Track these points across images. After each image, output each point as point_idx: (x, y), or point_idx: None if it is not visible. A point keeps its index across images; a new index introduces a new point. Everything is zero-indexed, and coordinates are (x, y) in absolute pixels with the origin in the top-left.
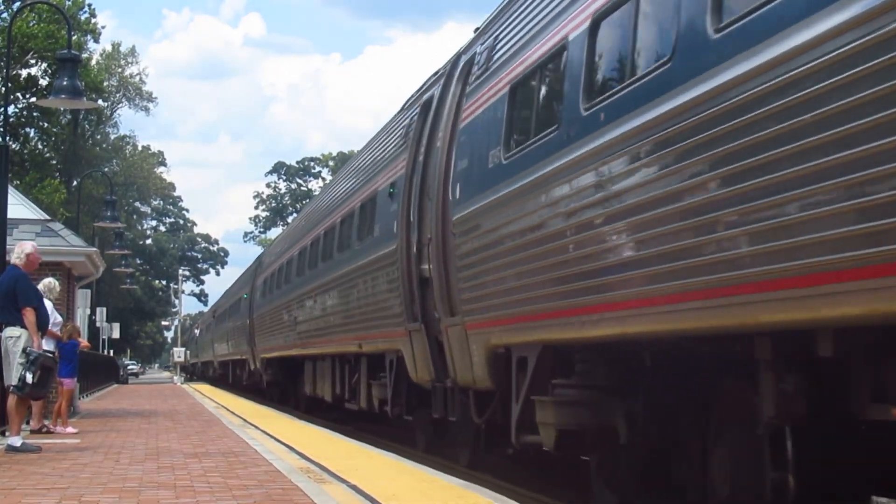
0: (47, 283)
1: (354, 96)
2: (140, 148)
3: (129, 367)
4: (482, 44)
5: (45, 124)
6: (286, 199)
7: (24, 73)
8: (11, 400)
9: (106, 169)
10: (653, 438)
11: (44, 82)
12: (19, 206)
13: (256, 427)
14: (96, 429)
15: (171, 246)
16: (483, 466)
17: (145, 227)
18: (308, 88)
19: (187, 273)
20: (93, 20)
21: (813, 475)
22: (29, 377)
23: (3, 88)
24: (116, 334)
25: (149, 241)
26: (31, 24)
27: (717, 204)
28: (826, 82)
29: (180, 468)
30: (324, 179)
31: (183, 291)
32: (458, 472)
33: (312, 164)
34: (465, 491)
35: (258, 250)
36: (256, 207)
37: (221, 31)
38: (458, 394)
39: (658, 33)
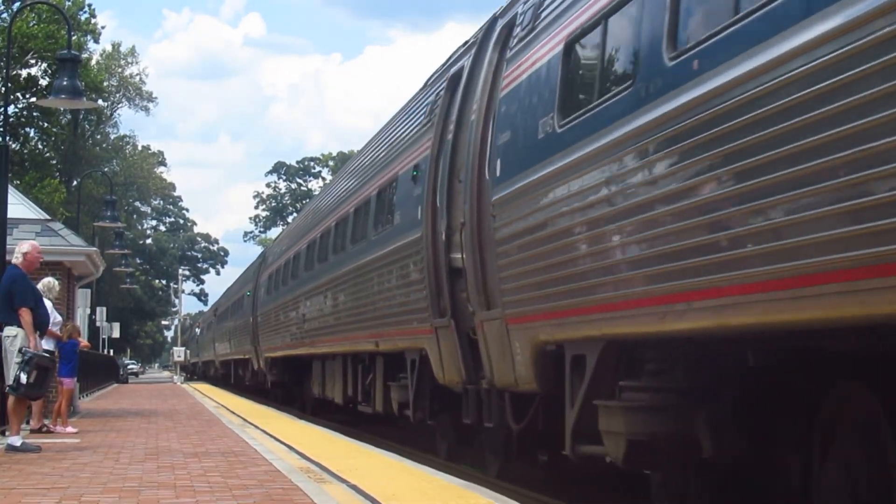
0: (46, 283)
1: (354, 96)
2: (140, 148)
3: (129, 367)
4: (525, 2)
5: (45, 124)
6: (286, 199)
7: (24, 73)
8: (11, 400)
9: (106, 169)
10: (740, 451)
11: (44, 82)
12: (19, 206)
13: (256, 427)
14: (96, 428)
15: (171, 246)
16: (514, 476)
17: (145, 226)
18: (308, 88)
19: (187, 273)
20: (93, 20)
21: None
22: (23, 377)
23: (3, 88)
24: (116, 334)
25: (149, 241)
26: (31, 24)
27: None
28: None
29: (180, 468)
30: (324, 179)
31: (183, 291)
32: (459, 472)
33: (312, 164)
34: (465, 491)
35: (258, 250)
36: (256, 207)
37: (221, 31)
38: (494, 397)
39: None
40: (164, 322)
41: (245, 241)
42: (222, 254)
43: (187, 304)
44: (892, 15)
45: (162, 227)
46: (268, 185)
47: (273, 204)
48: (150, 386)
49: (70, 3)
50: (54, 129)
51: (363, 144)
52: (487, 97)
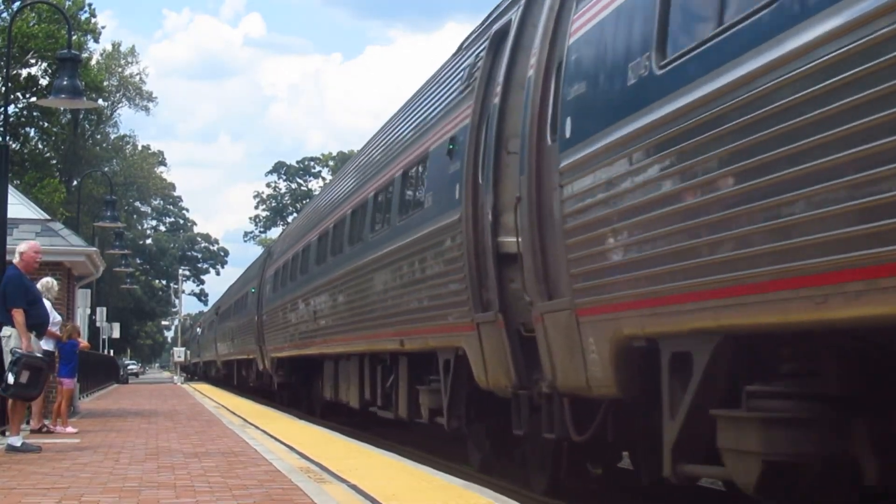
0: (45, 283)
1: (355, 96)
2: (140, 148)
3: (129, 367)
4: None
5: (45, 124)
6: (286, 199)
7: (24, 73)
8: (10, 400)
9: (106, 169)
10: None
11: (44, 82)
12: (19, 206)
13: (256, 427)
14: (96, 429)
15: (171, 246)
16: (565, 494)
17: (145, 226)
18: (308, 88)
19: (187, 273)
20: (93, 20)
21: None
22: (10, 378)
23: (3, 88)
24: (116, 334)
25: (149, 241)
26: (31, 24)
27: None
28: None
29: (180, 468)
30: (324, 179)
31: (183, 291)
32: (459, 473)
33: (312, 164)
34: (465, 491)
35: (258, 250)
36: (256, 207)
37: (221, 31)
38: (558, 403)
39: None
40: (164, 322)
41: (245, 241)
42: (222, 254)
43: (187, 305)
44: (859, 31)
45: (162, 227)
46: (268, 185)
47: (273, 204)
48: (150, 386)
49: (70, 3)
50: (54, 129)
51: (362, 145)
52: (548, 48)
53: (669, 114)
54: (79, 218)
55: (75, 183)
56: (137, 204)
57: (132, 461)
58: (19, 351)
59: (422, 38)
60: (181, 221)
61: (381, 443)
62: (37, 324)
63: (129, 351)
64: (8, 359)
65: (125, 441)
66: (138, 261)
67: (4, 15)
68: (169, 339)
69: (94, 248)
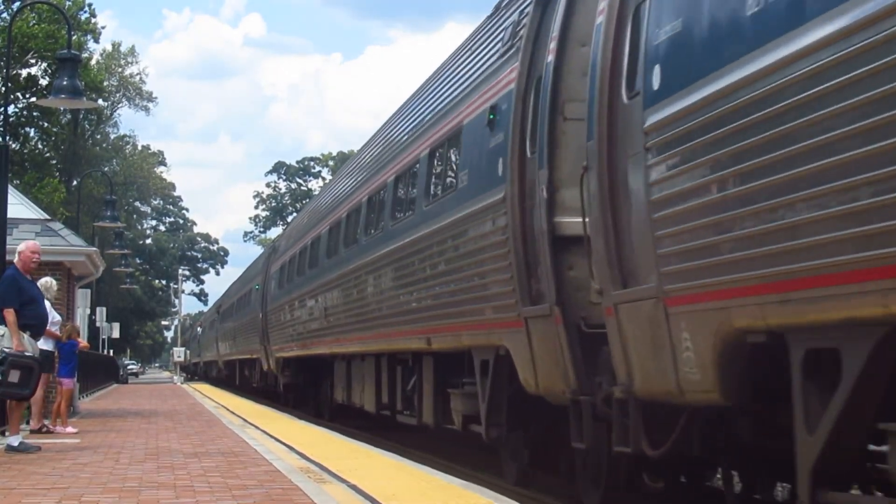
0: (44, 283)
1: (355, 96)
2: (140, 148)
3: (129, 367)
4: None
5: (45, 124)
6: (286, 199)
7: (24, 73)
8: (10, 400)
9: (106, 169)
10: None
11: (44, 82)
12: (19, 206)
13: (256, 427)
14: (96, 429)
15: (171, 246)
16: None
17: (145, 226)
18: (308, 88)
19: (187, 273)
20: (93, 20)
21: None
22: None
23: (3, 88)
24: (116, 334)
25: (149, 241)
26: (31, 24)
27: None
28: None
29: (180, 468)
30: (324, 179)
31: (183, 291)
32: (459, 473)
33: (312, 164)
34: (465, 491)
35: (258, 250)
36: (256, 207)
37: (221, 31)
38: (635, 411)
39: None
40: (164, 322)
41: (245, 241)
42: (222, 254)
43: (187, 305)
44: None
45: (162, 227)
46: (268, 185)
47: (273, 204)
48: (149, 386)
49: (70, 3)
50: (54, 129)
51: (362, 145)
52: None
53: (812, 45)
54: (79, 218)
55: (75, 183)
56: (137, 204)
57: (132, 461)
58: (6, 350)
59: (422, 38)
60: (181, 221)
61: (381, 443)
62: (33, 324)
63: (128, 351)
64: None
65: (125, 441)
66: (138, 261)
67: (4, 15)
68: (169, 339)
69: (94, 248)
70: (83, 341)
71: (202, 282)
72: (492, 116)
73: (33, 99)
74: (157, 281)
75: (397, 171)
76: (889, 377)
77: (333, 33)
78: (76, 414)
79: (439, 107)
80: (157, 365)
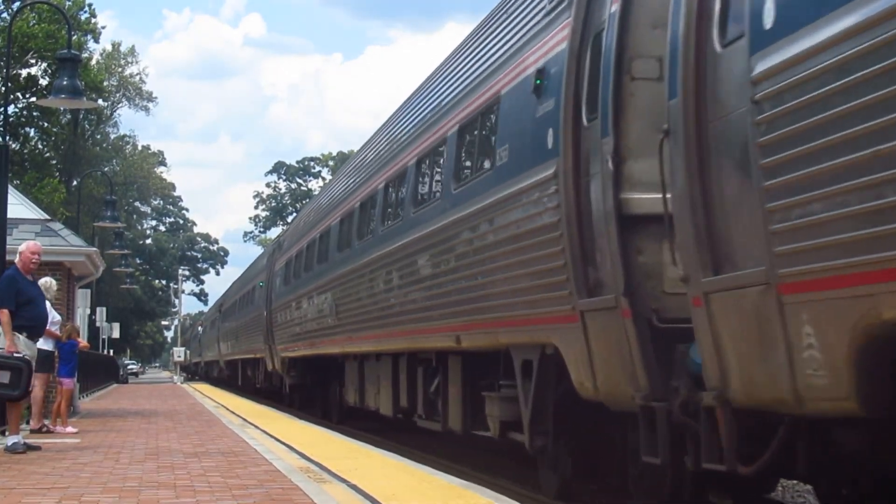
0: (44, 283)
1: (355, 96)
2: (140, 148)
3: (129, 367)
4: None
5: (45, 124)
6: (286, 199)
7: (24, 73)
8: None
9: (106, 169)
10: None
11: (44, 82)
12: (19, 206)
13: (256, 427)
14: (96, 428)
15: (171, 246)
16: None
17: (145, 227)
18: (308, 88)
19: (187, 273)
20: (93, 20)
21: None
22: None
23: (3, 88)
24: (116, 334)
25: (149, 241)
26: (31, 24)
27: None
28: None
29: (180, 468)
30: (324, 179)
31: (183, 291)
32: (459, 473)
33: (312, 164)
34: (465, 491)
35: (258, 250)
36: (256, 207)
37: (221, 31)
38: (729, 421)
39: None
40: (164, 322)
41: (245, 241)
42: (222, 254)
43: (187, 305)
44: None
45: (162, 228)
46: (268, 185)
47: (273, 204)
48: (149, 386)
49: (70, 3)
50: (54, 129)
51: (362, 145)
52: None
53: None
54: (79, 218)
55: (75, 183)
56: (137, 204)
57: (132, 461)
58: None
59: (422, 38)
60: (181, 221)
61: (381, 443)
62: (29, 325)
63: (128, 351)
64: None
65: (125, 441)
66: (138, 261)
67: (4, 15)
68: (169, 339)
69: (94, 248)
70: (83, 341)
71: (202, 282)
72: (538, 82)
73: (33, 99)
74: (157, 281)
75: (420, 153)
76: None
77: (333, 33)
78: (76, 414)
79: (468, 80)
80: (156, 365)
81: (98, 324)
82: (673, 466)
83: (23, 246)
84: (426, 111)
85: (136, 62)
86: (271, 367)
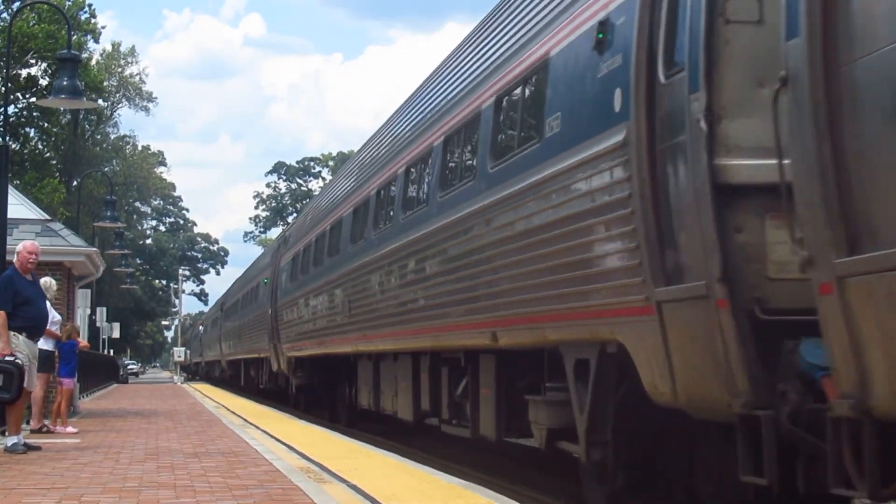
0: (44, 283)
1: (355, 96)
2: (140, 148)
3: (129, 367)
4: None
5: (45, 124)
6: (286, 199)
7: (24, 73)
8: None
9: (106, 169)
10: None
11: (44, 82)
12: (19, 206)
13: (257, 427)
14: (96, 428)
15: (171, 246)
16: None
17: (145, 227)
18: (308, 88)
19: (187, 273)
20: (93, 20)
21: None
22: None
23: (3, 88)
24: (116, 334)
25: (149, 241)
26: (31, 24)
27: None
28: None
29: (180, 468)
30: (324, 179)
31: (183, 291)
32: (459, 473)
33: (312, 164)
34: (465, 491)
35: (258, 250)
36: (256, 207)
37: (221, 31)
38: (871, 436)
39: None
40: (164, 322)
41: (245, 241)
42: (222, 254)
43: (187, 305)
44: None
45: (162, 228)
46: (268, 186)
47: (273, 204)
48: (149, 386)
49: (70, 3)
50: (54, 129)
51: (362, 145)
52: None
53: None
54: (79, 218)
55: (75, 183)
56: (137, 204)
57: (132, 461)
58: None
59: (422, 38)
60: (181, 221)
61: (381, 443)
62: (29, 325)
63: (129, 351)
64: None
65: (125, 441)
66: (138, 261)
67: (4, 15)
68: (169, 339)
69: (94, 248)
70: (83, 341)
71: (202, 282)
72: (600, 36)
73: (33, 99)
74: (157, 281)
75: (447, 132)
76: None
77: (333, 33)
78: (76, 414)
79: (506, 45)
80: (156, 365)
81: (98, 324)
82: (780, 488)
83: (20, 246)
84: (457, 83)
85: (136, 62)
86: (276, 367)
